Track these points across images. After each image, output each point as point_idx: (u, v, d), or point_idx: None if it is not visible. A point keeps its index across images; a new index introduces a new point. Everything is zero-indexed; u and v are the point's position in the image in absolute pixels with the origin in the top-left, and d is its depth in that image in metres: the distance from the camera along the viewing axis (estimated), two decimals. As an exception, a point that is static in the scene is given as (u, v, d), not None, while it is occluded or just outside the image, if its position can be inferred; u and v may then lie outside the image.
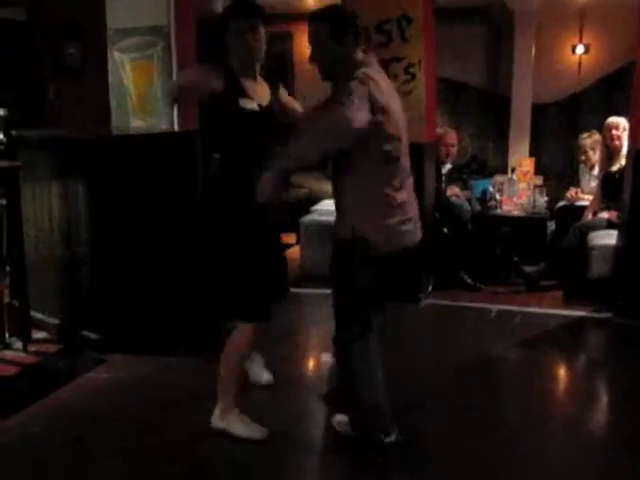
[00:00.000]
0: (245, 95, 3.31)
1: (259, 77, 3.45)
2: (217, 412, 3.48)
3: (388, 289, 3.37)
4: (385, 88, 3.10)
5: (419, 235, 3.31)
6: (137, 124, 5.08)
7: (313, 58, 3.17)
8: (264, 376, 4.07)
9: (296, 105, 3.66)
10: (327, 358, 4.11)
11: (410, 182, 3.25)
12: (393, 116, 3.08)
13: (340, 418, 3.53)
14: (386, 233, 3.13)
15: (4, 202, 4.47)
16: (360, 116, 2.90)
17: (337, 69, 3.12)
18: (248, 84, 3.37)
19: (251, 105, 3.31)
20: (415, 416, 3.73)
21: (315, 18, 3.16)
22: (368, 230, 3.11)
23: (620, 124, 6.00)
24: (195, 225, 4.52)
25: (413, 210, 3.26)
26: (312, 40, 3.16)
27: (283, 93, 3.58)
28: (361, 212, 3.13)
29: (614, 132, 6.02)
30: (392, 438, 3.33)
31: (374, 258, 3.15)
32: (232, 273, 3.41)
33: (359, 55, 3.15)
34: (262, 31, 3.33)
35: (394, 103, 3.14)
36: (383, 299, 3.38)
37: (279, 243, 3.73)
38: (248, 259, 3.36)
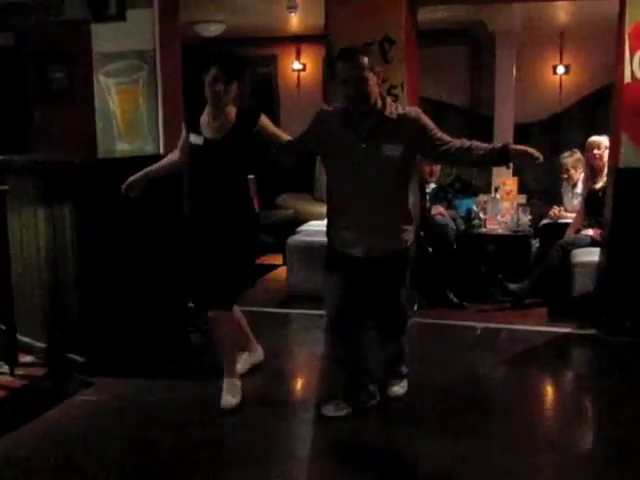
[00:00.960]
0: (196, 131, 3.97)
1: (225, 116, 3.94)
2: (226, 393, 3.99)
3: None
4: None
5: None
6: (123, 147, 5.12)
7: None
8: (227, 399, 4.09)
9: (281, 134, 4.04)
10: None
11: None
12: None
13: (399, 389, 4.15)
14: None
15: (-10, 226, 4.48)
16: None
17: None
18: (206, 120, 3.98)
19: (196, 140, 3.95)
20: (401, 433, 3.75)
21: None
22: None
23: (602, 143, 6.08)
24: (180, 248, 4.56)
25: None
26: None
27: (268, 123, 4.02)
28: (408, 223, 3.82)
29: (596, 151, 6.11)
30: (373, 401, 3.97)
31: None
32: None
33: None
34: (233, 87, 3.90)
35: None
36: None
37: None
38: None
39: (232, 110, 3.96)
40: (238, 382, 4.09)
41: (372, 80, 3.51)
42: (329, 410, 3.89)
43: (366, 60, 3.50)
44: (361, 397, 3.91)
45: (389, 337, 4.10)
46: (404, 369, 4.18)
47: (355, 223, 3.67)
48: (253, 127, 3.94)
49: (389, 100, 3.68)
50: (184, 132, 4.11)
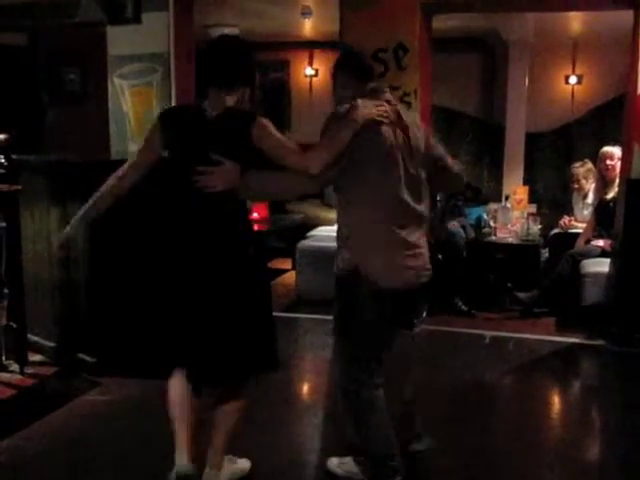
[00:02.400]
0: None
1: None
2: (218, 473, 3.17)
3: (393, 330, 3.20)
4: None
5: (424, 277, 3.19)
6: (136, 149, 5.11)
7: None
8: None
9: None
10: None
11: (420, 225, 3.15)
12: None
13: (337, 460, 3.38)
14: (389, 270, 3.00)
15: (4, 225, 4.49)
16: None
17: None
18: None
19: None
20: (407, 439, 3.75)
21: None
22: (369, 266, 2.97)
23: (615, 154, 6.08)
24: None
25: (420, 251, 3.14)
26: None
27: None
28: (363, 247, 3.00)
29: (608, 162, 6.11)
30: (399, 478, 3.10)
31: (376, 295, 2.99)
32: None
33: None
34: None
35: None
36: (391, 340, 3.21)
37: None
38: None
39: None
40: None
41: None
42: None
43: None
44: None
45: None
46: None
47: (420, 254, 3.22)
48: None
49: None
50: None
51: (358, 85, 3.13)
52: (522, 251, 6.48)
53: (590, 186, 6.56)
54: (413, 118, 3.21)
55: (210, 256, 3.02)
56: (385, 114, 2.99)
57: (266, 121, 3.00)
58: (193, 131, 3.05)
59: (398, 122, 3.04)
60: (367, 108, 2.96)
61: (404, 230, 3.04)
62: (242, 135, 2.95)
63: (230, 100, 3.05)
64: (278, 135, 2.98)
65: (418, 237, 3.14)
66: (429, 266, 3.23)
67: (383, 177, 2.99)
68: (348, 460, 3.36)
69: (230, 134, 3.00)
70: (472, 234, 6.65)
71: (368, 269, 2.96)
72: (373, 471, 3.18)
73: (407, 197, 3.03)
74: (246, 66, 3.18)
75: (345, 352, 3.16)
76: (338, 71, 3.24)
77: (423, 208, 3.15)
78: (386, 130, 2.99)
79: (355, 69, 3.21)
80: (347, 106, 2.99)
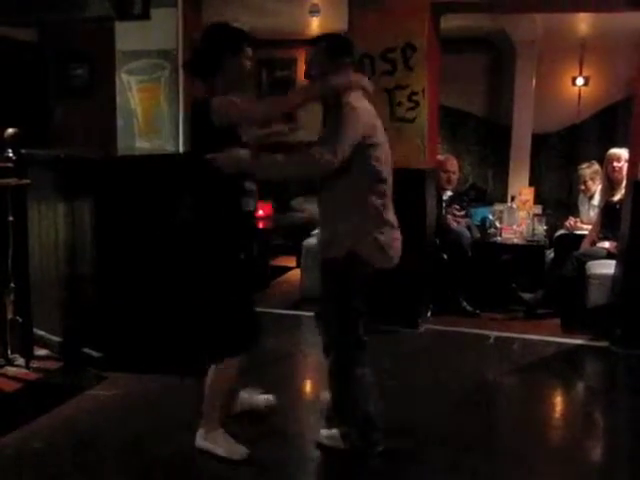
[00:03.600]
0: None
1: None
2: (201, 431, 3.53)
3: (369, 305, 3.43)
4: (371, 113, 3.33)
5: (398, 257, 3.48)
6: (143, 145, 5.17)
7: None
8: (262, 399, 4.02)
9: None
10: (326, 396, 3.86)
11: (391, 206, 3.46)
12: (380, 140, 3.32)
13: (328, 433, 3.60)
14: (378, 249, 3.32)
15: (11, 219, 4.51)
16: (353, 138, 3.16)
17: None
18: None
19: None
20: (412, 441, 3.75)
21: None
22: (362, 247, 3.28)
23: (622, 156, 6.07)
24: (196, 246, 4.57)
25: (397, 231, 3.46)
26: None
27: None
28: (356, 229, 3.27)
29: (615, 164, 6.10)
30: (380, 448, 3.42)
31: (366, 275, 3.34)
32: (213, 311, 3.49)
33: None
34: None
35: (380, 130, 3.36)
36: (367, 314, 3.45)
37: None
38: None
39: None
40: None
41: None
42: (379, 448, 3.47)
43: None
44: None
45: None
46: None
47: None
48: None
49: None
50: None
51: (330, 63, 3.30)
52: (527, 252, 6.48)
53: (596, 188, 6.56)
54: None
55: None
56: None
57: (221, 99, 3.24)
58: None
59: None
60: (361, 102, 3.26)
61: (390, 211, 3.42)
62: (202, 122, 3.24)
63: (203, 89, 3.34)
64: (242, 105, 3.27)
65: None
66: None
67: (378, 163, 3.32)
68: (335, 432, 3.56)
69: (193, 124, 3.31)
70: (477, 234, 6.65)
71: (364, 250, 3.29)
72: (358, 436, 3.44)
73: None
74: (213, 54, 3.38)
75: (342, 333, 3.37)
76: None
77: None
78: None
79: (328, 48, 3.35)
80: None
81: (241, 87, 3.57)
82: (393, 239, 3.40)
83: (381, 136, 3.35)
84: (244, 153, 3.28)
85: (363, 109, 3.27)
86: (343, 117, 3.20)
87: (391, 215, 3.41)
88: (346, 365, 3.37)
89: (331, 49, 3.34)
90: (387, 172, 3.38)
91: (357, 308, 3.34)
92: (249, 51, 3.51)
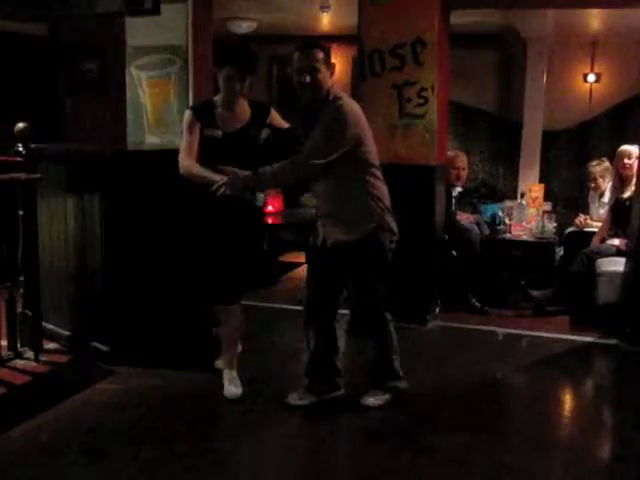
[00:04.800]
0: (212, 125, 4.00)
1: (240, 108, 4.07)
2: (223, 359, 4.28)
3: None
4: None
5: None
6: (152, 140, 5.17)
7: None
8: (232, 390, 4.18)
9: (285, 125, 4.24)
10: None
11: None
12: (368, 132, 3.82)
13: (296, 394, 4.03)
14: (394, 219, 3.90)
15: (21, 213, 4.53)
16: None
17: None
18: (222, 115, 4.03)
19: (213, 133, 3.99)
20: (419, 437, 3.75)
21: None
22: (383, 220, 3.81)
23: (633, 153, 6.05)
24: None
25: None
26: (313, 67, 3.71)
27: (278, 117, 4.21)
28: (370, 208, 3.77)
29: (626, 161, 6.08)
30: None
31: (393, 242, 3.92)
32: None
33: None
34: (247, 80, 4.01)
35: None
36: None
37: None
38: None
39: (244, 102, 4.09)
40: (237, 374, 4.23)
41: (323, 72, 3.74)
42: (293, 399, 4.02)
43: (321, 54, 3.76)
44: (324, 387, 4.07)
45: (368, 336, 4.15)
46: (385, 382, 4.10)
47: (320, 212, 3.93)
48: (266, 119, 4.13)
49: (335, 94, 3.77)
50: (188, 132, 4.01)
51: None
52: (537, 249, 6.45)
53: (606, 185, 6.53)
54: None
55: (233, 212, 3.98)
56: None
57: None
58: None
59: None
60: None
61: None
62: None
63: None
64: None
65: None
66: None
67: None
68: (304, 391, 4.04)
69: None
70: (487, 231, 6.63)
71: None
72: (308, 372, 4.05)
73: None
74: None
75: (380, 293, 3.93)
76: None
77: None
78: None
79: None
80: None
81: (225, 105, 4.05)
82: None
83: (367, 128, 3.79)
84: (241, 172, 3.67)
85: (354, 105, 3.75)
86: (334, 118, 3.59)
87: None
88: (384, 313, 3.98)
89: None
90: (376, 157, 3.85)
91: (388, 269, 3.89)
92: (226, 71, 3.93)
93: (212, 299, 4.26)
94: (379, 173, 3.83)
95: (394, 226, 3.87)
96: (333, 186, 3.75)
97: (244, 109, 4.09)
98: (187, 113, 4.07)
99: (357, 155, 3.70)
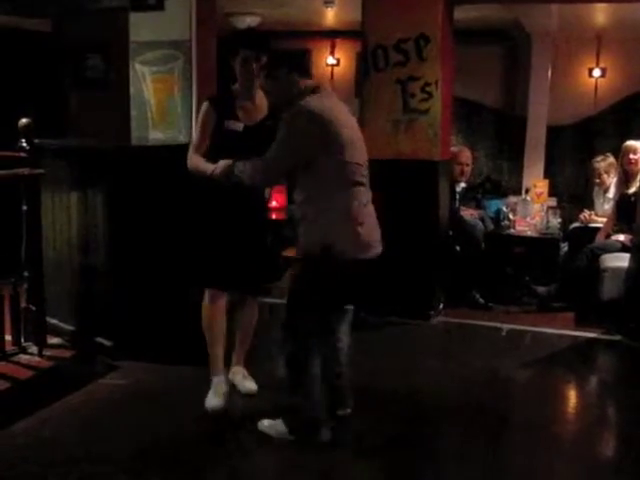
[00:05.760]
0: (234, 117, 3.80)
1: (260, 100, 3.85)
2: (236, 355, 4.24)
3: (352, 294, 3.59)
4: (339, 115, 3.36)
5: (379, 249, 3.44)
6: (156, 136, 5.17)
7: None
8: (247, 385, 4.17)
9: None
10: None
11: (370, 206, 3.44)
12: (343, 139, 3.30)
13: (268, 422, 3.63)
14: (351, 242, 3.30)
15: (25, 208, 4.54)
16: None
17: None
18: (244, 107, 3.84)
19: (234, 126, 3.79)
20: (423, 432, 3.76)
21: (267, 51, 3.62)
22: (336, 239, 3.27)
23: (638, 148, 6.05)
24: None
25: (375, 228, 3.44)
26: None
27: None
28: (328, 223, 3.28)
29: (631, 156, 6.06)
30: (327, 435, 3.49)
31: (337, 265, 3.33)
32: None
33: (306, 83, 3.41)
34: (263, 60, 3.70)
35: (347, 126, 3.36)
36: (345, 302, 3.58)
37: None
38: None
39: (261, 94, 3.88)
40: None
41: (273, 79, 3.53)
42: (327, 435, 3.54)
43: (264, 59, 3.64)
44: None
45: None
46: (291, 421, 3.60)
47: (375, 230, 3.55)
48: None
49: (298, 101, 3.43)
50: (202, 125, 3.85)
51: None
52: (541, 245, 6.44)
53: (611, 180, 6.51)
54: None
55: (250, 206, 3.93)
56: None
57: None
58: None
59: None
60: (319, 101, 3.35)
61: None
62: None
63: None
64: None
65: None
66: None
67: None
68: (279, 422, 3.58)
69: None
70: (491, 227, 6.62)
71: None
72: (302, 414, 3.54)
73: None
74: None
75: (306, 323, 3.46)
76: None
77: None
78: None
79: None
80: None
81: (244, 94, 3.83)
82: (365, 229, 3.35)
83: (348, 133, 3.33)
84: (226, 162, 3.51)
85: (319, 110, 3.28)
86: (285, 130, 3.31)
87: (363, 207, 3.37)
88: (308, 357, 3.47)
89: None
90: (355, 168, 3.34)
91: (325, 300, 3.43)
92: (241, 54, 3.73)
93: (231, 285, 4.03)
94: (348, 187, 3.31)
95: (348, 250, 3.29)
96: (297, 197, 3.42)
97: (263, 101, 3.87)
98: (205, 104, 3.86)
99: (315, 168, 3.29)
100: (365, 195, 3.40)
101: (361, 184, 3.38)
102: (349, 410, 3.54)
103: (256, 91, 3.84)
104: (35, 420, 3.75)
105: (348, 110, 3.52)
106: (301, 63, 3.59)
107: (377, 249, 3.41)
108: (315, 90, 3.38)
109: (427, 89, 5.34)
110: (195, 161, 3.82)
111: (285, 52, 3.58)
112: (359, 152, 3.40)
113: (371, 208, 3.44)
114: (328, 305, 3.49)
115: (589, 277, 5.74)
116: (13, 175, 4.44)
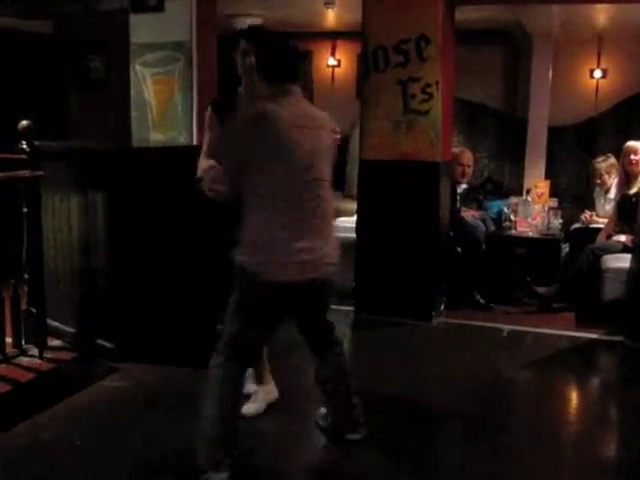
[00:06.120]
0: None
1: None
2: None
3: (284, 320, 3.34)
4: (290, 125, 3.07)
5: (325, 271, 3.21)
6: (157, 137, 5.17)
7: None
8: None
9: None
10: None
11: (313, 221, 3.16)
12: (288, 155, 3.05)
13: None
14: (270, 265, 3.05)
15: (25, 210, 4.53)
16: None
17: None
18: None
19: None
20: (424, 433, 3.75)
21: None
22: (250, 262, 3.06)
23: (639, 149, 6.03)
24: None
25: (311, 246, 3.12)
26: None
27: None
28: (247, 245, 3.08)
29: (632, 157, 6.06)
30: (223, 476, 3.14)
31: (259, 287, 3.07)
32: None
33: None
34: (251, 49, 3.55)
35: (299, 142, 3.08)
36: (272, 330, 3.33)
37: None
38: None
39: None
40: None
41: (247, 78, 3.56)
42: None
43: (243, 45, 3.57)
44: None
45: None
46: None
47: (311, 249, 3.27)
48: None
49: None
50: (208, 130, 3.73)
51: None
52: (542, 245, 6.44)
53: (612, 181, 6.51)
54: None
55: None
56: None
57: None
58: None
59: None
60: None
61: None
62: None
63: None
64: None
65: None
66: None
67: None
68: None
69: None
70: (492, 227, 6.62)
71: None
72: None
73: None
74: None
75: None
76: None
77: None
78: None
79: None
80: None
81: (249, 93, 3.63)
82: (292, 253, 3.07)
83: (307, 144, 3.11)
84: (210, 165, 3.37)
85: (274, 115, 3.05)
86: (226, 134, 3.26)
87: (292, 229, 3.08)
88: (225, 366, 3.28)
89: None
90: (290, 189, 3.08)
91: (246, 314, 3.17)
92: (240, 46, 3.60)
93: None
94: (279, 203, 3.05)
95: (262, 272, 3.04)
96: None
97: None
98: (208, 109, 3.76)
99: (247, 179, 3.07)
100: (308, 212, 3.12)
101: (307, 200, 3.12)
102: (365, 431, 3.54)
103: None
104: (35, 422, 3.75)
105: (326, 117, 3.34)
106: (291, 65, 3.27)
107: (314, 272, 3.13)
108: (284, 95, 3.17)
109: (428, 90, 5.33)
110: (204, 167, 3.62)
111: (279, 50, 3.28)
112: (317, 166, 3.17)
113: (316, 225, 3.16)
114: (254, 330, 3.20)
115: (590, 278, 5.74)
116: (13, 177, 4.44)
